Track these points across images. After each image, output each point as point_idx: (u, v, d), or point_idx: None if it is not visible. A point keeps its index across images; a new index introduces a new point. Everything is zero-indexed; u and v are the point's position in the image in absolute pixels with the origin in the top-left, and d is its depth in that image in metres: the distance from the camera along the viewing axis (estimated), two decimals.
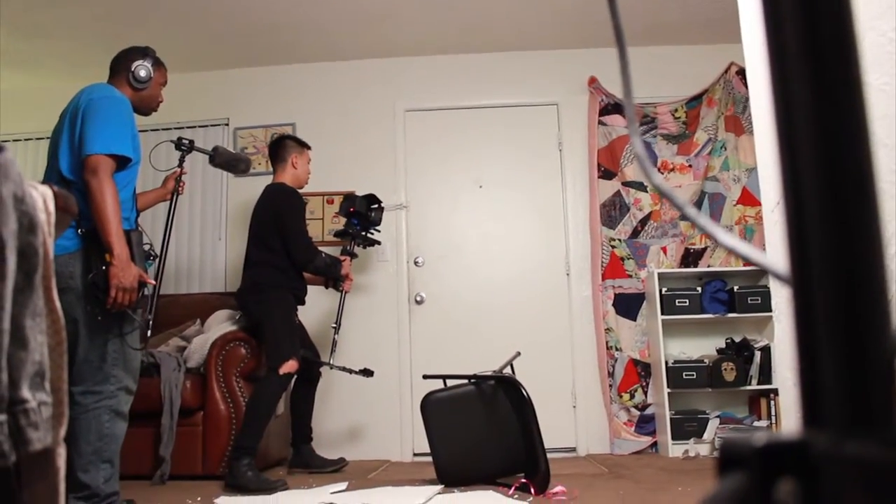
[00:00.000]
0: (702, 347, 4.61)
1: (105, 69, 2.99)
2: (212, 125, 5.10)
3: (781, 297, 1.87)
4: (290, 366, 3.60)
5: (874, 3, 1.41)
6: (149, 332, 2.83)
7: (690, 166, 4.81)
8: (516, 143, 4.96)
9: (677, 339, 4.62)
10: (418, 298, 4.82)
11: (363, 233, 4.27)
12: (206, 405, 3.80)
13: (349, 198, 4.31)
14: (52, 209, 1.00)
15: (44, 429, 0.88)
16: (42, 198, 0.98)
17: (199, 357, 3.89)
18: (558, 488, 3.09)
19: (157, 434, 3.67)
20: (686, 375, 4.35)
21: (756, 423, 4.41)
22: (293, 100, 5.07)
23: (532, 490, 3.08)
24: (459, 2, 4.36)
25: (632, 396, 4.61)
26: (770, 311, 2.05)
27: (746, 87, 2.90)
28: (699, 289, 4.52)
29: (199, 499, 3.16)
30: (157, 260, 3.02)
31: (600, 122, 4.89)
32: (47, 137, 2.94)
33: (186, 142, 3.35)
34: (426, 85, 5.04)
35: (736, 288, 4.45)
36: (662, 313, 4.42)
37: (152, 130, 4.76)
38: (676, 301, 4.44)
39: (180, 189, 3.27)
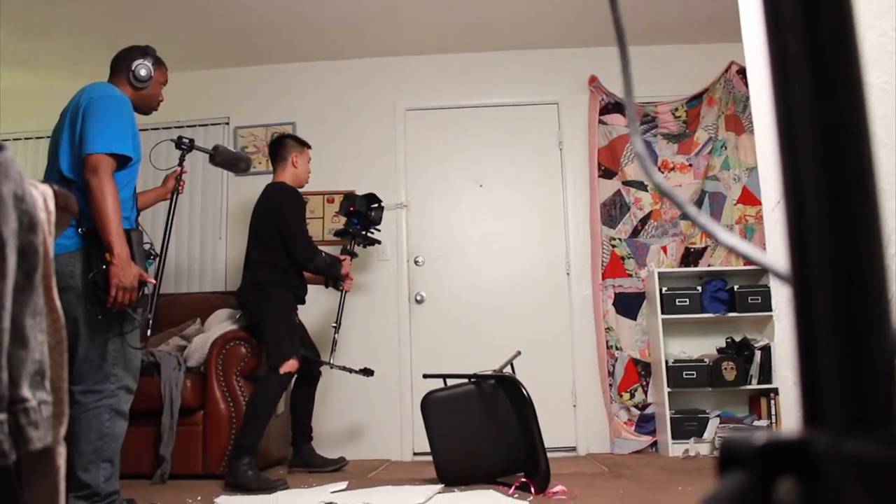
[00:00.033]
0: (702, 347, 4.61)
1: (105, 68, 2.99)
2: (212, 124, 5.10)
3: (782, 297, 1.87)
4: (290, 365, 3.60)
5: (875, 3, 1.41)
6: (149, 332, 2.83)
7: (691, 165, 4.81)
8: (517, 142, 4.96)
9: (677, 338, 4.62)
10: (418, 298, 4.82)
11: (363, 232, 4.27)
12: (206, 404, 3.80)
13: (349, 197, 4.31)
14: (53, 208, 1.00)
15: (44, 428, 0.88)
16: (42, 196, 0.98)
17: (199, 356, 3.89)
18: (558, 487, 3.10)
19: (158, 433, 3.67)
20: (686, 375, 4.35)
21: (756, 423, 4.41)
22: (293, 99, 5.07)
23: (532, 489, 3.08)
24: (460, 1, 4.36)
25: (632, 396, 4.62)
26: (770, 310, 2.05)
27: (747, 86, 2.89)
28: (699, 288, 4.52)
29: (199, 498, 3.16)
30: (158, 259, 3.02)
31: (601, 122, 4.89)
32: (47, 136, 2.94)
33: (186, 141, 3.35)
34: (426, 84, 5.04)
35: (736, 287, 4.45)
36: (663, 312, 4.42)
37: (152, 129, 4.76)
38: (677, 300, 4.45)
39: (180, 188, 3.27)
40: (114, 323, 2.67)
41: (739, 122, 4.81)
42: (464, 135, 4.98)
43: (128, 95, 2.86)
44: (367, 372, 4.05)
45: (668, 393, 4.33)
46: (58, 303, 0.99)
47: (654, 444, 4.51)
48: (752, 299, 4.39)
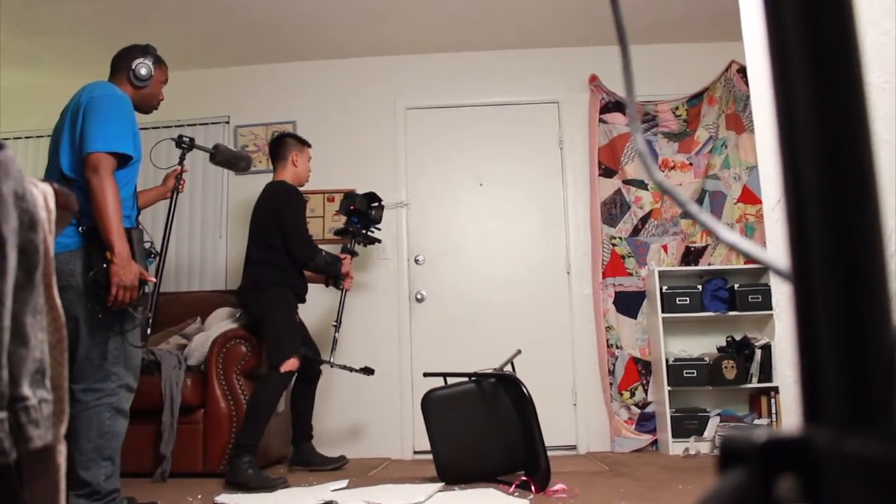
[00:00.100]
0: (702, 345, 4.61)
1: (105, 66, 2.99)
2: (212, 123, 5.10)
3: (782, 295, 1.87)
4: (291, 364, 3.60)
5: (876, 2, 1.41)
6: (149, 330, 2.83)
7: (691, 164, 4.81)
8: (517, 141, 4.96)
9: (678, 337, 4.62)
10: (419, 296, 4.82)
11: (363, 231, 4.27)
12: (206, 403, 3.80)
13: (349, 196, 4.31)
14: (53, 206, 1.00)
15: (44, 426, 0.88)
16: (42, 195, 0.98)
17: (199, 355, 3.89)
18: (559, 486, 3.10)
19: (158, 432, 3.67)
20: (686, 373, 4.35)
21: (756, 422, 4.41)
22: (294, 98, 5.07)
23: (532, 488, 3.08)
24: None
25: (632, 394, 4.62)
26: (771, 309, 2.05)
27: (747, 85, 2.90)
28: (700, 287, 4.52)
29: (199, 496, 3.16)
30: (158, 258, 3.02)
31: (601, 120, 4.89)
32: (47, 135, 2.94)
33: (187, 140, 3.35)
34: (427, 83, 5.04)
35: (737, 286, 4.45)
36: (663, 311, 4.42)
37: (153, 128, 4.76)
38: (677, 299, 4.45)
39: (181, 187, 3.27)
40: (114, 321, 2.67)
41: (740, 120, 4.81)
42: (464, 133, 4.98)
43: (128, 94, 2.86)
44: (368, 371, 4.05)
45: (669, 391, 4.33)
46: (58, 301, 0.99)
47: (655, 442, 4.51)
48: (752, 298, 4.39)
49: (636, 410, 4.59)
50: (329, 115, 5.02)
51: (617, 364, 4.66)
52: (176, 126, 4.89)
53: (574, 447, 4.61)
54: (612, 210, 4.81)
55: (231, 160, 3.58)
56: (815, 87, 0.33)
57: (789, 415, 2.03)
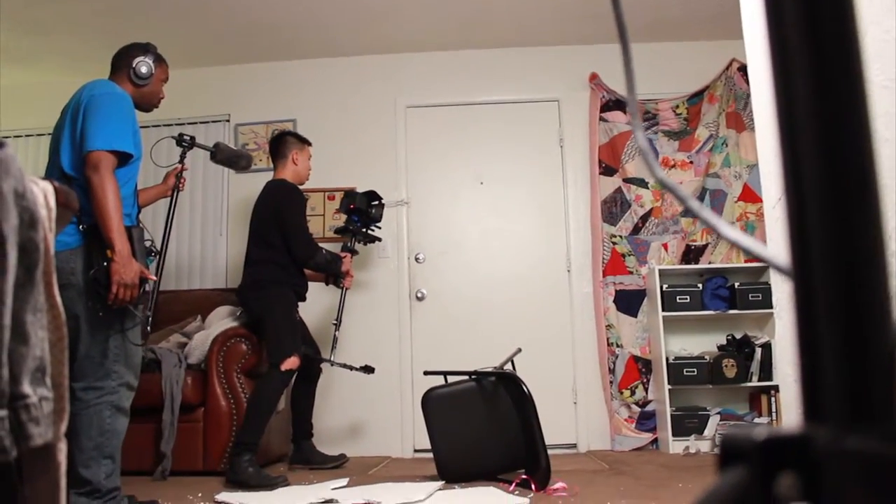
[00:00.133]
0: (702, 344, 4.61)
1: (105, 65, 2.99)
2: (213, 121, 5.10)
3: (782, 294, 1.87)
4: (291, 362, 3.60)
5: (876, 0, 1.41)
6: (148, 329, 2.83)
7: (691, 163, 4.81)
8: (517, 139, 4.96)
9: (678, 335, 4.62)
10: (419, 295, 4.82)
11: (364, 229, 4.27)
12: (206, 401, 3.80)
13: (350, 194, 4.31)
14: (53, 205, 1.00)
15: (45, 424, 0.88)
16: (43, 193, 0.98)
17: (200, 353, 3.89)
18: (559, 484, 3.10)
19: (158, 430, 3.67)
20: (687, 372, 4.35)
21: (757, 420, 4.41)
22: (294, 96, 5.07)
23: (532, 486, 3.08)
24: None
25: (632, 393, 4.62)
26: (771, 307, 2.05)
27: (748, 83, 2.89)
28: (700, 285, 4.52)
29: (199, 494, 3.17)
30: (158, 256, 3.02)
31: (601, 119, 4.89)
32: (48, 133, 2.94)
33: (187, 138, 3.35)
34: (427, 81, 5.04)
35: (737, 284, 4.45)
36: (663, 310, 4.42)
37: (153, 126, 4.75)
38: (677, 297, 4.45)
39: (181, 185, 3.27)
40: (115, 320, 2.67)
41: (740, 119, 4.81)
42: (464, 132, 4.98)
43: (129, 92, 2.86)
44: (368, 369, 4.05)
45: (669, 390, 4.33)
46: (58, 299, 0.99)
47: (655, 441, 4.51)
48: (752, 296, 4.39)
49: (636, 409, 4.59)
50: (329, 114, 5.02)
51: (617, 362, 4.66)
52: (176, 124, 4.88)
53: (574, 446, 4.61)
54: (613, 208, 4.81)
55: (231, 159, 3.58)
56: (815, 85, 0.33)
57: (789, 413, 2.03)
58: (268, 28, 4.62)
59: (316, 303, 4.45)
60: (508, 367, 3.57)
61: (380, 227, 4.39)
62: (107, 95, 2.74)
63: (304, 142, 4.11)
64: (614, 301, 4.73)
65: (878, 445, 0.30)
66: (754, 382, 4.37)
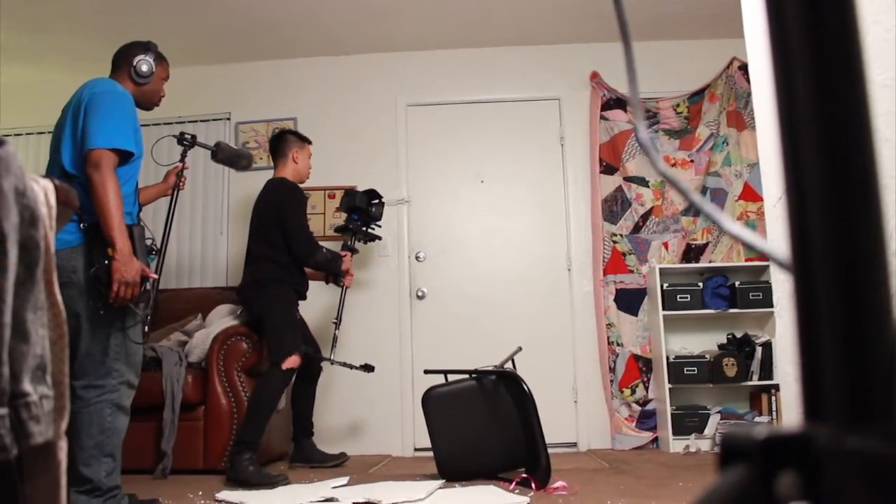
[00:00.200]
0: (703, 343, 4.61)
1: (106, 63, 2.99)
2: (213, 119, 5.10)
3: (783, 293, 1.87)
4: (292, 361, 3.60)
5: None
6: (146, 328, 2.82)
7: (692, 161, 4.80)
8: (518, 138, 4.96)
9: (678, 334, 4.62)
10: (419, 293, 4.82)
11: (364, 228, 4.27)
12: (207, 400, 3.80)
13: (350, 193, 4.31)
14: (54, 203, 1.00)
15: (45, 422, 0.88)
16: (43, 191, 0.98)
17: (200, 352, 3.89)
18: (559, 483, 3.10)
19: (159, 428, 3.67)
20: (687, 371, 4.35)
21: (757, 419, 4.41)
22: (294, 94, 5.07)
23: (533, 485, 3.09)
24: None
25: (633, 392, 4.62)
26: (771, 306, 2.05)
27: (749, 82, 2.89)
28: (700, 284, 4.52)
29: (200, 493, 3.17)
30: (159, 254, 3.02)
31: (602, 117, 4.89)
32: (48, 131, 2.94)
33: (189, 137, 3.35)
34: (427, 80, 5.04)
35: (737, 283, 4.45)
36: (664, 308, 4.42)
37: (154, 125, 4.75)
38: (678, 296, 4.45)
39: (181, 184, 3.27)
40: (115, 318, 2.67)
41: (741, 118, 4.81)
42: (465, 131, 4.98)
43: (129, 91, 2.87)
44: (368, 368, 4.05)
45: (669, 389, 4.33)
46: (59, 297, 0.99)
47: (655, 440, 4.51)
48: (753, 295, 4.39)
49: (637, 408, 4.59)
50: (330, 112, 5.02)
51: (618, 361, 4.66)
52: (177, 123, 4.88)
53: (574, 444, 4.61)
54: (613, 207, 4.81)
55: (232, 158, 3.58)
56: (816, 84, 0.33)
57: (790, 412, 2.03)
58: (268, 26, 4.62)
59: (316, 301, 4.45)
60: (509, 365, 3.57)
61: (380, 226, 4.39)
62: (108, 94, 2.74)
63: (305, 140, 4.11)
64: (615, 300, 4.73)
65: (879, 445, 0.30)
66: (755, 381, 4.37)
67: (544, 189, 4.89)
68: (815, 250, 0.33)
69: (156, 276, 2.82)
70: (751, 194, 4.69)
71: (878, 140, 0.33)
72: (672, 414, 4.30)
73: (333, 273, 4.09)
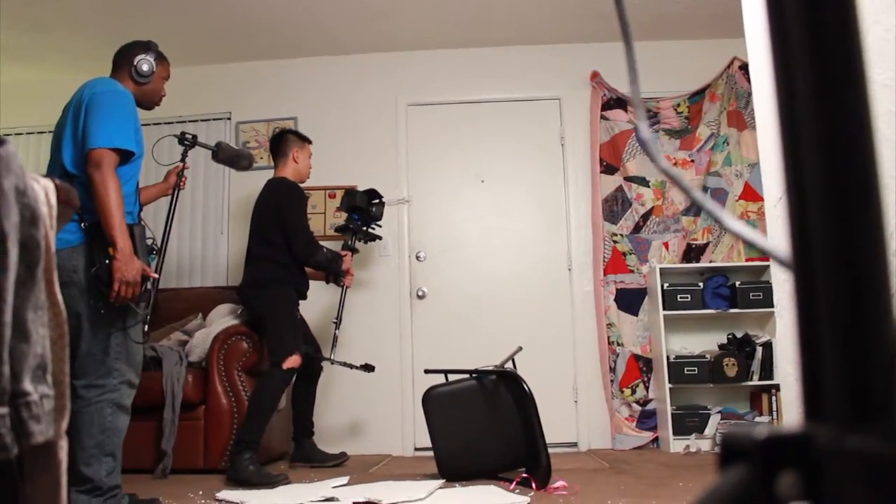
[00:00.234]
0: (703, 343, 4.61)
1: (107, 62, 2.99)
2: (214, 119, 5.10)
3: (783, 293, 1.87)
4: (293, 361, 3.60)
5: None
6: (146, 327, 2.82)
7: (693, 161, 4.80)
8: (518, 137, 4.96)
9: (679, 334, 4.62)
10: (420, 293, 4.82)
11: (364, 228, 4.27)
12: (207, 399, 3.80)
13: (350, 192, 4.31)
14: (54, 202, 1.00)
15: (46, 421, 0.88)
16: (44, 191, 0.98)
17: (200, 351, 3.89)
18: (559, 483, 3.10)
19: (159, 428, 3.67)
20: (687, 371, 4.35)
21: (757, 419, 4.41)
22: (295, 94, 5.07)
23: (533, 485, 3.09)
24: None
25: (633, 392, 4.62)
26: (772, 306, 2.05)
27: (749, 82, 2.89)
28: (701, 284, 4.52)
29: (200, 492, 3.17)
30: (159, 254, 3.02)
31: (602, 117, 4.88)
32: (49, 131, 2.94)
33: (189, 137, 3.35)
34: (428, 79, 5.04)
35: (738, 283, 4.45)
36: (664, 308, 4.42)
37: (154, 124, 4.75)
38: (678, 296, 4.44)
39: (182, 184, 3.26)
40: (116, 317, 2.67)
41: (741, 117, 4.81)
42: (465, 130, 4.98)
43: (130, 90, 2.87)
44: (368, 367, 4.05)
45: (670, 389, 4.33)
46: (59, 297, 0.99)
47: (656, 440, 4.51)
48: (753, 295, 4.39)
49: (637, 408, 4.59)
50: (330, 112, 5.02)
51: (618, 361, 4.66)
52: (177, 122, 4.89)
53: (575, 444, 4.61)
54: (614, 207, 4.81)
55: (233, 158, 3.58)
56: (817, 83, 0.33)
57: (790, 412, 2.03)
58: (269, 26, 4.62)
59: (316, 301, 4.45)
60: (509, 365, 3.57)
61: (380, 226, 4.39)
62: (109, 93, 2.74)
63: (305, 140, 4.11)
64: (615, 300, 4.73)
65: (879, 445, 0.30)
66: (755, 381, 4.37)
67: (545, 189, 4.89)
68: (816, 250, 0.33)
69: (156, 276, 2.82)
70: (751, 194, 4.69)
71: (878, 140, 0.33)
72: (672, 414, 4.30)
73: (334, 273, 4.09)
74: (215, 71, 5.12)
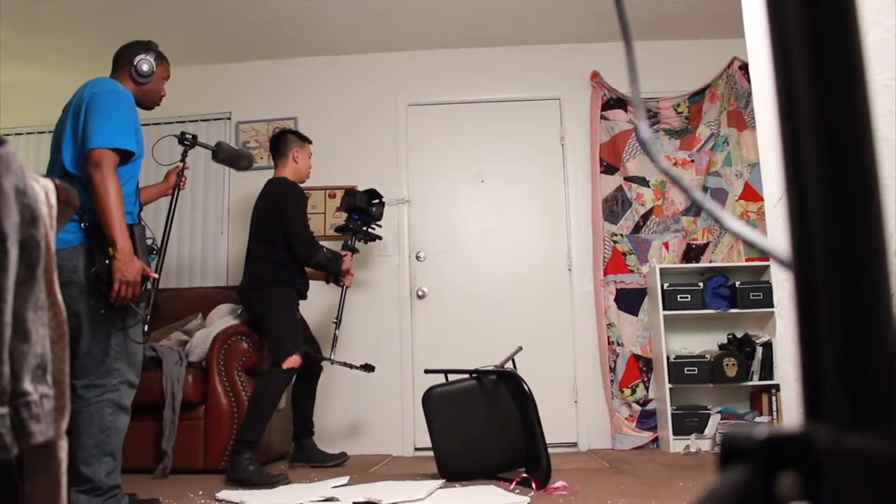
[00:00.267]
0: (703, 343, 4.61)
1: (107, 62, 2.99)
2: (214, 119, 5.10)
3: (783, 293, 1.87)
4: (293, 360, 3.60)
5: None
6: (146, 327, 2.82)
7: (693, 161, 4.80)
8: (518, 137, 4.96)
9: (679, 334, 4.62)
10: (420, 293, 4.82)
11: (364, 228, 4.27)
12: (207, 399, 3.80)
13: (350, 192, 4.31)
14: (54, 202, 1.00)
15: (46, 421, 0.88)
16: (44, 191, 0.98)
17: (200, 351, 3.89)
18: (559, 483, 3.10)
19: (159, 428, 3.67)
20: (687, 371, 4.35)
21: (757, 419, 4.41)
22: (295, 94, 5.07)
23: (533, 485, 3.09)
24: None
25: (633, 392, 4.62)
26: (772, 306, 2.05)
27: (749, 81, 2.89)
28: (701, 284, 4.52)
29: (200, 492, 3.17)
30: (159, 254, 3.02)
31: (602, 117, 4.88)
32: (49, 131, 2.94)
33: (189, 137, 3.35)
34: (428, 79, 5.04)
35: (738, 283, 4.45)
36: (664, 308, 4.42)
37: (154, 124, 4.75)
38: (678, 296, 4.44)
39: (182, 184, 3.26)
40: (116, 317, 2.67)
41: (742, 117, 4.81)
42: (465, 130, 4.98)
43: (130, 90, 2.87)
44: (368, 367, 4.05)
45: (670, 389, 4.33)
46: (59, 297, 0.99)
47: (656, 440, 4.51)
48: (753, 295, 4.39)
49: (637, 408, 4.59)
50: (330, 112, 5.02)
51: (618, 361, 4.66)
52: (177, 122, 4.89)
53: (575, 444, 4.61)
54: (614, 207, 4.81)
55: (233, 159, 3.58)
56: (817, 83, 0.33)
57: (790, 412, 2.03)
58: (269, 26, 4.62)
59: (316, 301, 4.45)
60: (509, 365, 3.57)
61: (380, 226, 4.39)
62: (109, 93, 2.74)
63: (305, 140, 4.11)
64: (615, 300, 4.73)
65: (879, 445, 0.30)
66: (755, 381, 4.37)
67: (545, 189, 4.89)
68: (816, 250, 0.33)
69: (156, 276, 2.82)
70: (751, 194, 4.69)
71: (878, 140, 0.33)
72: (672, 414, 4.30)
73: (334, 273, 4.09)
74: (215, 71, 5.12)
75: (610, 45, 4.82)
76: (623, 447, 4.50)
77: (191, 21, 4.52)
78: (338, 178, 4.89)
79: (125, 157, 2.71)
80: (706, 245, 4.73)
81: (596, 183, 4.81)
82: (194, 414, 3.79)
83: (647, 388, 4.62)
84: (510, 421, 3.35)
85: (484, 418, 3.41)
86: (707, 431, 4.29)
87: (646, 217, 4.79)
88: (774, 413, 4.30)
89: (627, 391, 4.62)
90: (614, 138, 4.86)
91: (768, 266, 4.27)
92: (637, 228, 4.78)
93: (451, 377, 3.55)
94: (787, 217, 0.35)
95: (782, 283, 1.86)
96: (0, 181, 0.81)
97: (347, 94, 5.05)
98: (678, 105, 4.87)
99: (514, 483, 3.16)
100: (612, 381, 4.64)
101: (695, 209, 4.74)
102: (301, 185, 4.01)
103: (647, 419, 4.57)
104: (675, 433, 4.27)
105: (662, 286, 4.44)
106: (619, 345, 4.67)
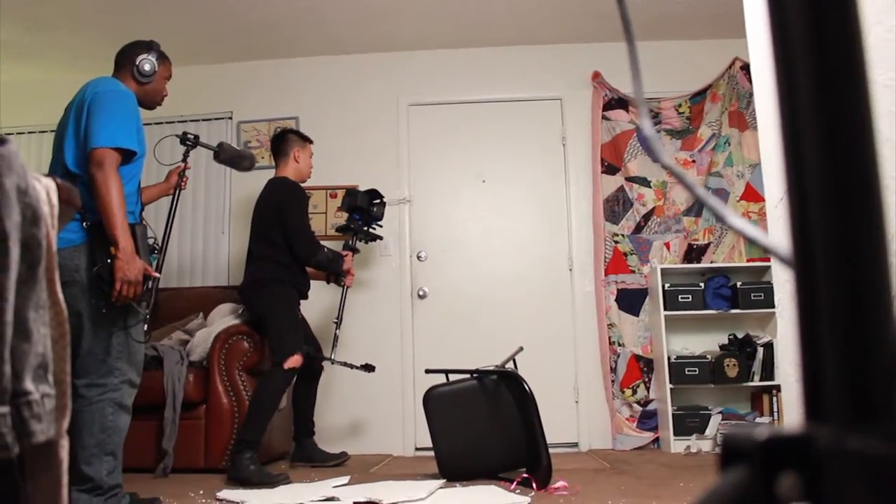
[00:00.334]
0: (704, 343, 4.61)
1: (108, 62, 2.99)
2: (215, 119, 5.11)
3: (784, 293, 1.87)
4: (294, 360, 3.60)
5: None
6: (147, 327, 2.82)
7: (694, 161, 4.80)
8: (519, 137, 4.96)
9: (680, 334, 4.61)
10: (421, 293, 4.82)
11: (365, 227, 4.27)
12: (208, 399, 3.80)
13: (351, 192, 4.32)
14: (56, 201, 1.00)
15: (47, 421, 0.88)
16: (46, 190, 0.98)
17: (201, 350, 3.89)
18: (560, 483, 3.10)
19: (160, 427, 3.67)
20: (688, 371, 4.35)
21: (758, 420, 4.41)
22: (296, 94, 5.07)
23: (534, 485, 3.09)
24: None
25: (634, 392, 4.62)
26: (773, 307, 2.05)
27: (751, 82, 2.89)
28: (702, 284, 4.52)
29: (201, 492, 3.17)
30: (160, 253, 3.02)
31: (604, 117, 4.88)
32: (50, 130, 2.94)
33: (191, 137, 3.35)
34: (429, 79, 5.04)
35: (739, 284, 4.45)
36: (665, 309, 4.42)
37: (156, 124, 4.75)
38: (679, 297, 4.44)
39: (183, 184, 3.26)
40: (118, 317, 2.68)
41: (743, 118, 4.80)
42: (466, 130, 4.98)
43: (132, 90, 2.87)
44: (369, 367, 4.05)
45: (671, 389, 4.33)
46: (60, 296, 0.99)
47: (656, 440, 4.51)
48: (754, 296, 4.39)
49: (638, 408, 4.59)
50: (331, 112, 5.02)
51: (619, 361, 4.66)
52: (179, 122, 4.89)
53: (576, 444, 4.61)
54: (615, 207, 4.81)
55: (235, 159, 3.58)
56: (818, 84, 0.33)
57: (791, 413, 2.03)
58: (270, 26, 4.62)
59: (317, 301, 4.45)
60: (510, 365, 3.57)
61: (381, 226, 4.39)
62: (111, 93, 2.74)
63: (306, 140, 4.11)
64: (616, 300, 4.72)
65: (880, 445, 0.30)
66: (756, 382, 4.36)
67: (546, 189, 4.89)
68: (817, 251, 0.33)
69: (158, 275, 2.82)
70: (752, 195, 4.69)
71: (879, 140, 0.33)
72: (673, 414, 4.30)
73: (335, 273, 4.09)
74: (217, 71, 5.13)
75: (611, 45, 4.82)
76: (624, 447, 4.50)
77: (192, 21, 4.52)
78: (339, 178, 4.89)
79: (127, 156, 2.72)
80: (707, 245, 4.73)
81: (597, 183, 4.81)
82: (195, 413, 3.79)
83: (647, 389, 4.62)
84: (511, 421, 3.35)
85: (485, 418, 3.41)
86: (708, 432, 4.29)
87: (647, 217, 4.79)
88: (775, 414, 4.30)
89: (628, 391, 4.62)
90: (616, 138, 4.86)
91: (769, 266, 4.27)
92: (638, 229, 4.78)
93: (452, 377, 3.55)
94: (789, 217, 0.35)
95: (783, 284, 1.86)
96: (2, 180, 0.82)
97: (348, 94, 5.05)
98: (679, 105, 4.87)
99: (515, 483, 3.16)
100: (612, 381, 4.64)
101: (696, 210, 4.74)
102: (302, 185, 4.01)
103: (647, 419, 4.57)
104: (675, 434, 4.27)
105: (663, 286, 4.44)
106: (619, 345, 4.67)
